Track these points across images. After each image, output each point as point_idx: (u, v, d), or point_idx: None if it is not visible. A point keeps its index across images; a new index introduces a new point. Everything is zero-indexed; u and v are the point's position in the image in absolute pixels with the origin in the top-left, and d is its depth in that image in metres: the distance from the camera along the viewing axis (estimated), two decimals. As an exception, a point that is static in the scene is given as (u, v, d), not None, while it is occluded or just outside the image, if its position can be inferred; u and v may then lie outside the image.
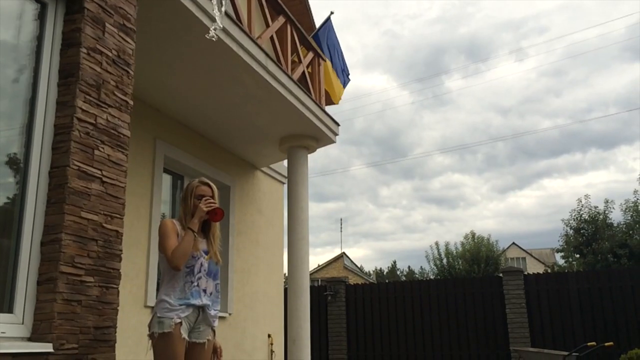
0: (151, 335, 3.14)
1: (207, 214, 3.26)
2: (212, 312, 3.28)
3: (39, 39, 3.13)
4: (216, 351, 3.44)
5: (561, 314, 11.69)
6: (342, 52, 8.91)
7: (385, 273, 57.90)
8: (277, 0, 6.61)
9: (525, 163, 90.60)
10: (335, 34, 8.81)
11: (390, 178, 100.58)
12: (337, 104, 8.79)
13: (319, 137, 7.55)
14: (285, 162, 8.29)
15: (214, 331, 3.33)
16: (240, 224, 7.91)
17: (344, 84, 8.86)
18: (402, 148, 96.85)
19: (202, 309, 3.23)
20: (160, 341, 3.08)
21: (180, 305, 3.13)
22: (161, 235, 3.24)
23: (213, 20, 5.00)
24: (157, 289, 5.89)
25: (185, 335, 3.13)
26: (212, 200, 3.31)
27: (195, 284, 3.20)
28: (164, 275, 3.25)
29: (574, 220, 22.41)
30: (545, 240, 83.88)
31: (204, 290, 3.24)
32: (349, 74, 9.05)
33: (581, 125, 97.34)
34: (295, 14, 7.55)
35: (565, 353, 8.95)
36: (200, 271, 3.24)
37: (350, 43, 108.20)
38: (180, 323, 3.11)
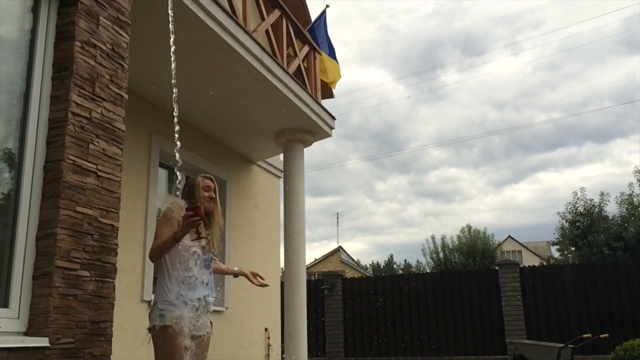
0: (152, 328, 3.15)
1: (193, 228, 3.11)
2: (210, 299, 3.35)
3: (33, 32, 3.11)
4: (255, 276, 3.69)
5: (557, 306, 11.75)
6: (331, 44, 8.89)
7: (382, 267, 58.06)
8: (272, -7, 6.59)
9: (521, 157, 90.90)
10: (326, 28, 8.79)
11: (386, 172, 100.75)
12: (334, 85, 8.81)
13: (315, 131, 7.54)
14: (281, 156, 8.28)
15: (211, 323, 3.38)
16: (237, 218, 7.90)
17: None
18: (398, 142, 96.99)
19: (200, 300, 3.28)
20: (162, 334, 3.10)
21: (180, 301, 3.18)
22: (160, 220, 3.29)
23: (209, 14, 4.99)
24: (154, 282, 5.90)
25: (186, 328, 3.17)
26: (195, 218, 3.05)
27: (194, 277, 3.26)
28: (162, 267, 3.27)
29: (570, 213, 22.48)
30: (541, 233, 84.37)
31: (201, 282, 3.31)
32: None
33: (576, 118, 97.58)
34: (290, 7, 7.51)
35: (561, 345, 9.00)
36: (196, 264, 3.30)
37: (346, 37, 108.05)
38: (181, 316, 3.15)
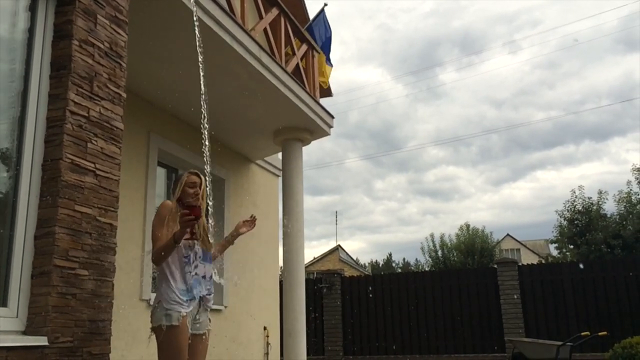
0: (157, 328, 3.16)
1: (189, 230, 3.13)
2: (210, 296, 3.39)
3: (30, 31, 3.10)
4: (245, 224, 3.69)
5: (555, 304, 11.76)
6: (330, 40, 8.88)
7: (380, 265, 58.09)
8: (270, -9, 6.58)
9: (519, 155, 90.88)
10: (327, 24, 8.79)
11: (384, 171, 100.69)
12: (327, 85, 8.82)
13: (313, 130, 7.54)
14: (280, 155, 8.28)
15: (209, 320, 3.43)
16: (235, 217, 7.89)
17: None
18: (396, 141, 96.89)
19: (202, 298, 3.33)
20: (168, 334, 3.12)
21: (185, 300, 3.21)
22: (155, 222, 3.30)
23: (207, 12, 4.98)
24: (153, 281, 5.89)
25: (189, 327, 3.22)
26: (190, 217, 3.03)
27: (194, 272, 3.29)
28: (164, 267, 3.28)
29: (568, 212, 22.51)
30: (539, 231, 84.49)
31: (203, 277, 3.35)
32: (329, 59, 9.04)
33: (574, 117, 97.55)
34: (288, 5, 7.50)
35: (560, 343, 9.01)
36: (196, 259, 3.33)
37: (344, 36, 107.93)
38: (185, 316, 3.19)
